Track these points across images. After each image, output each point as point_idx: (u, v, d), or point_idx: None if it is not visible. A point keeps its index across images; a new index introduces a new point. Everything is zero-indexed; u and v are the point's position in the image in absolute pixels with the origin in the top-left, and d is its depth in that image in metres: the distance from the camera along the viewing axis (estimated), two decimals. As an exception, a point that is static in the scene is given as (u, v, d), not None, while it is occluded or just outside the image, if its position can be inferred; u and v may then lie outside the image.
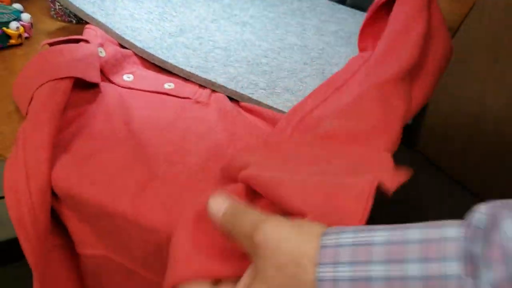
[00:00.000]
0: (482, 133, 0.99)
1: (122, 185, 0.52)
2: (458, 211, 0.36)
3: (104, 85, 0.67)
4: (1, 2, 0.86)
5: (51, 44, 0.68)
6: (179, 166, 0.55)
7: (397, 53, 0.58)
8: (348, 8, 1.04)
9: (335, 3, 1.05)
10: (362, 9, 1.04)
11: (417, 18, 0.60)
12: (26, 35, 0.81)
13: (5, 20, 0.78)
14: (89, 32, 0.74)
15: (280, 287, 0.34)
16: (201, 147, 0.59)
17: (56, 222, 0.57)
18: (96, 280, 0.59)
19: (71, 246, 0.58)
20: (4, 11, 0.80)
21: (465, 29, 0.97)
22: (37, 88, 0.58)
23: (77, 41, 0.70)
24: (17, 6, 0.84)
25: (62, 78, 0.59)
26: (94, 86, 0.66)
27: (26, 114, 0.58)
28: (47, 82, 0.58)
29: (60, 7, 0.88)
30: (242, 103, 0.68)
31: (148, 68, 0.74)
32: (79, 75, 0.61)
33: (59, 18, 0.90)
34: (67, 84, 0.60)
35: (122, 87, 0.69)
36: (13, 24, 0.78)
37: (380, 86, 0.55)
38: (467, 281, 0.29)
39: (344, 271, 0.32)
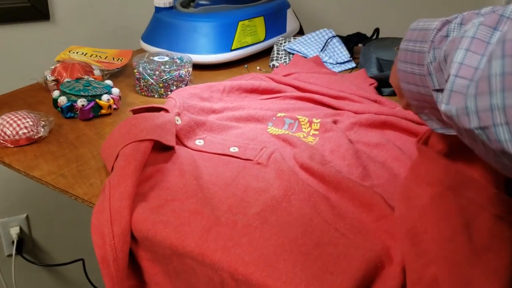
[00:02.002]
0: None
1: (190, 228, 0.60)
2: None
3: (179, 148, 0.78)
4: (96, 78, 1.00)
5: (135, 112, 0.79)
6: (239, 215, 0.63)
7: None
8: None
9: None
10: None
11: None
12: (115, 106, 0.94)
13: (98, 93, 0.91)
14: (170, 101, 0.85)
15: None
16: (259, 201, 0.66)
17: (133, 265, 0.66)
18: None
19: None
20: (97, 86, 0.94)
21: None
22: (122, 148, 0.69)
23: (158, 110, 0.82)
24: (108, 82, 0.98)
25: (143, 140, 0.70)
26: (170, 148, 0.77)
27: (112, 169, 0.68)
28: (131, 142, 0.69)
29: (144, 84, 1.02)
30: (302, 163, 0.75)
31: (219, 134, 0.84)
32: (157, 138, 0.72)
33: (143, 93, 1.03)
34: (148, 145, 0.71)
35: (195, 150, 0.79)
36: (105, 97, 0.91)
37: None
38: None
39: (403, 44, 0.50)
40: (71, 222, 1.64)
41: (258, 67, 1.21)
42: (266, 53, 1.29)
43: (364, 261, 0.55)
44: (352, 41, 1.26)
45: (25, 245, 1.64)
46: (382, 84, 1.06)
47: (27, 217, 1.61)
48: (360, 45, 1.22)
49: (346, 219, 0.63)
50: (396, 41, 1.19)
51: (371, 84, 1.06)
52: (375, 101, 0.97)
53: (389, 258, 0.57)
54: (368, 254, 0.57)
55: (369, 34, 1.27)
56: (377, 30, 1.26)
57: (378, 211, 0.62)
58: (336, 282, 0.53)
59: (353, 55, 1.24)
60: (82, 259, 1.59)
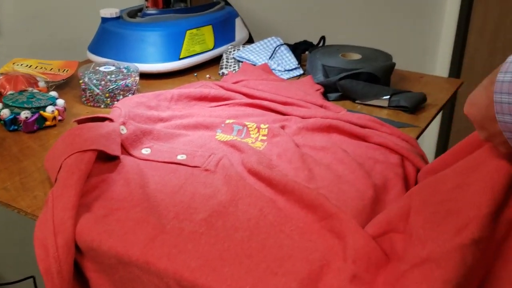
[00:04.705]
0: None
1: (135, 237, 0.60)
2: None
3: (125, 158, 0.77)
4: (40, 90, 0.98)
5: (80, 122, 0.78)
6: (186, 222, 0.63)
7: None
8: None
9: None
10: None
11: None
12: (60, 118, 0.93)
13: (42, 105, 0.90)
14: (115, 111, 0.85)
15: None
16: (206, 206, 0.67)
17: (79, 276, 0.65)
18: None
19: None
20: (41, 97, 0.93)
21: None
22: (66, 158, 0.68)
23: (103, 119, 0.81)
24: (53, 93, 0.97)
25: (86, 150, 0.69)
26: (116, 158, 0.76)
27: (55, 180, 0.67)
28: (74, 153, 0.68)
29: (90, 94, 1.01)
30: (250, 168, 0.75)
31: (166, 142, 0.84)
32: (101, 148, 0.71)
33: (89, 104, 1.02)
34: (91, 156, 0.70)
35: (141, 159, 0.79)
36: (49, 108, 0.90)
37: None
38: None
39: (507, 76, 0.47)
40: (20, 239, 1.60)
41: (207, 75, 1.22)
42: (215, 61, 1.29)
43: (308, 262, 0.56)
44: (299, 49, 1.28)
45: (-27, 264, 1.58)
46: (328, 90, 1.08)
47: (-26, 235, 1.56)
48: (307, 52, 1.24)
49: (292, 221, 0.64)
50: (341, 48, 1.21)
51: (317, 90, 1.07)
52: (321, 106, 0.99)
53: (334, 256, 0.58)
54: (312, 255, 0.58)
55: (315, 42, 1.29)
56: (323, 38, 1.29)
57: (322, 211, 0.63)
58: (280, 282, 0.53)
59: (301, 62, 1.25)
60: (33, 277, 1.55)
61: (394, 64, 1.11)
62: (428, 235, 0.54)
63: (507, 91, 0.47)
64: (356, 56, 1.17)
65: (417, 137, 0.91)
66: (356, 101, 1.05)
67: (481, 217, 0.52)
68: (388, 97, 1.01)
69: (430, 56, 2.35)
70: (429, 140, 2.51)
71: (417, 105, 1.01)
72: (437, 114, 1.02)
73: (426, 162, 0.80)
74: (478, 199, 0.53)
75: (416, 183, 0.77)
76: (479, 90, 0.53)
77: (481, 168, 0.56)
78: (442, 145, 2.46)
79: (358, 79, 1.06)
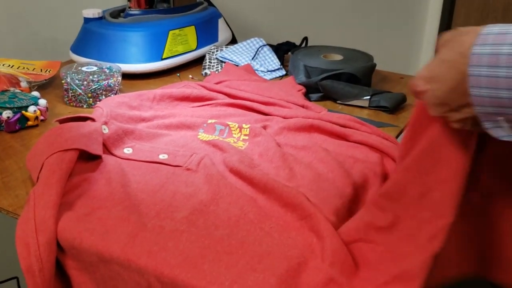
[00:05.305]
0: None
1: (116, 235, 0.61)
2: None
3: (106, 157, 0.78)
4: (23, 90, 0.98)
5: (62, 122, 0.79)
6: (167, 220, 0.64)
7: None
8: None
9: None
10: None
11: None
12: (42, 117, 0.93)
13: (24, 104, 0.90)
14: (97, 111, 0.85)
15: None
16: (187, 205, 0.67)
17: (61, 274, 0.65)
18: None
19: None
20: (24, 97, 0.93)
21: None
22: (47, 158, 0.68)
23: (85, 119, 0.81)
24: (35, 93, 0.97)
25: (68, 150, 0.70)
26: (98, 158, 0.76)
27: (37, 180, 0.68)
28: (55, 152, 0.69)
29: (72, 94, 1.01)
30: (232, 167, 0.76)
31: (148, 142, 0.84)
32: (83, 148, 0.72)
33: (72, 104, 1.02)
34: (73, 155, 0.70)
35: (123, 158, 0.79)
36: (31, 108, 0.90)
37: None
38: None
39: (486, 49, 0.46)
40: (2, 240, 1.59)
41: (190, 76, 1.22)
42: (198, 62, 1.30)
43: (286, 258, 0.57)
44: (282, 50, 1.29)
45: (-46, 266, 1.57)
46: (310, 90, 1.09)
47: (-44, 236, 1.55)
48: (289, 53, 1.25)
49: (272, 219, 0.65)
50: (323, 49, 1.23)
51: (299, 90, 1.09)
52: (303, 106, 1.00)
53: (312, 254, 0.59)
54: (290, 252, 0.59)
55: (298, 43, 1.31)
56: (305, 39, 1.30)
57: (301, 210, 0.65)
58: (258, 278, 0.54)
59: (283, 63, 1.27)
60: (16, 277, 1.54)
61: (375, 65, 1.13)
62: (405, 246, 0.56)
63: (486, 63, 0.46)
64: (338, 57, 1.18)
65: (397, 137, 0.93)
66: (338, 101, 1.06)
67: (448, 225, 0.54)
68: (368, 97, 1.03)
69: (413, 57, 2.38)
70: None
71: (397, 105, 1.02)
72: (416, 114, 1.03)
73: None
74: (443, 209, 0.55)
75: None
76: (439, 64, 0.51)
77: (440, 167, 0.56)
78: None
79: (339, 79, 1.07)
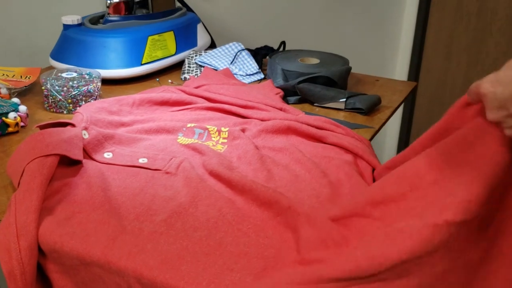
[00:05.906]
0: None
1: (96, 238, 0.62)
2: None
3: (87, 162, 0.79)
4: (3, 97, 0.99)
5: (42, 128, 0.80)
6: (146, 223, 0.66)
7: None
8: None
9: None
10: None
11: None
12: (22, 124, 0.94)
13: (4, 111, 0.91)
14: (77, 116, 0.86)
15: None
16: (166, 208, 0.69)
17: (42, 278, 0.66)
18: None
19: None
20: (3, 104, 0.93)
21: None
22: (28, 163, 0.69)
23: (65, 125, 0.83)
24: (15, 100, 0.98)
25: (49, 155, 0.71)
26: (78, 163, 0.77)
27: (18, 185, 0.69)
28: (36, 158, 0.70)
29: (52, 100, 1.02)
30: (211, 170, 0.78)
31: (128, 146, 0.85)
32: (63, 153, 0.73)
33: (52, 110, 1.03)
34: (53, 160, 0.71)
35: (103, 163, 0.80)
36: (11, 115, 0.91)
37: None
38: None
39: None
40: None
41: (169, 80, 1.24)
42: (177, 67, 1.32)
43: (263, 258, 0.59)
44: (260, 54, 1.31)
45: None
46: (288, 93, 1.11)
47: None
48: (267, 57, 1.28)
49: (249, 219, 0.67)
50: (300, 53, 1.25)
51: (277, 94, 1.11)
52: (281, 109, 1.02)
53: (289, 249, 0.61)
54: (267, 251, 0.61)
55: (276, 47, 1.33)
56: (283, 43, 1.32)
57: (277, 206, 0.67)
58: (235, 278, 0.56)
59: (262, 67, 1.29)
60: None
61: (350, 68, 1.15)
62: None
63: None
64: (315, 61, 1.21)
65: (372, 138, 0.95)
66: (315, 104, 1.09)
67: (467, 202, 0.54)
68: (344, 99, 1.05)
69: (388, 59, 2.42)
70: (390, 142, 2.58)
71: (372, 107, 1.05)
72: (391, 115, 1.06)
73: (378, 161, 0.84)
74: (470, 184, 0.55)
75: (373, 180, 0.80)
76: (507, 70, 0.53)
77: (475, 149, 0.57)
78: (404, 147, 2.53)
79: (316, 82, 1.09)
